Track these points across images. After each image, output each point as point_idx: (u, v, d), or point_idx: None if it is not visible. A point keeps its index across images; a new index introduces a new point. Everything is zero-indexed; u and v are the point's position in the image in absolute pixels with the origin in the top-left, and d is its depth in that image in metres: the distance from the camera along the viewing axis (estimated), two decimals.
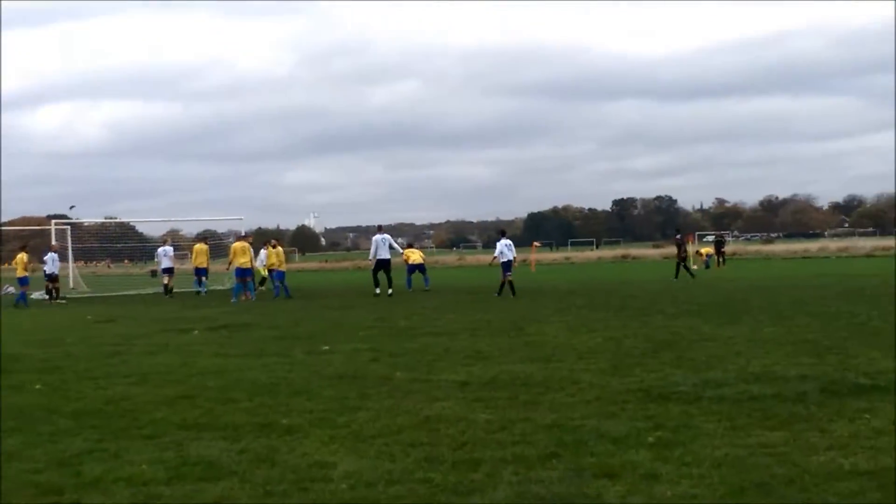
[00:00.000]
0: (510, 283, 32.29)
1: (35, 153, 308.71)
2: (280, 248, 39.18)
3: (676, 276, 41.89)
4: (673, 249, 48.40)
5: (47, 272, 40.03)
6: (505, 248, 32.94)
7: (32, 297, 40.03)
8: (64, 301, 39.35)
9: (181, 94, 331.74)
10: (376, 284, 35.46)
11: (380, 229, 37.08)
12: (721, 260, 57.31)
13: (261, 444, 8.92)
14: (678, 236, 45.25)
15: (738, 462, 7.70)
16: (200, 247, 43.29)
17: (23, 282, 37.66)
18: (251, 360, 15.82)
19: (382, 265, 35.62)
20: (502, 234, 34.52)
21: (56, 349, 18.79)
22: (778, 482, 7.11)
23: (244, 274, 35.89)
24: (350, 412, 10.43)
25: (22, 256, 37.94)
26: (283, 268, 38.40)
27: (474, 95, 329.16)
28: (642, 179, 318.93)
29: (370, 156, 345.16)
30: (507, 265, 32.78)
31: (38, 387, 13.25)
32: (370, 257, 36.22)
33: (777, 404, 10.06)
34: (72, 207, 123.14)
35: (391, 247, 36.30)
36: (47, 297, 40.40)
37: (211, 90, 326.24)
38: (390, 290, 34.84)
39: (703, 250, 59.50)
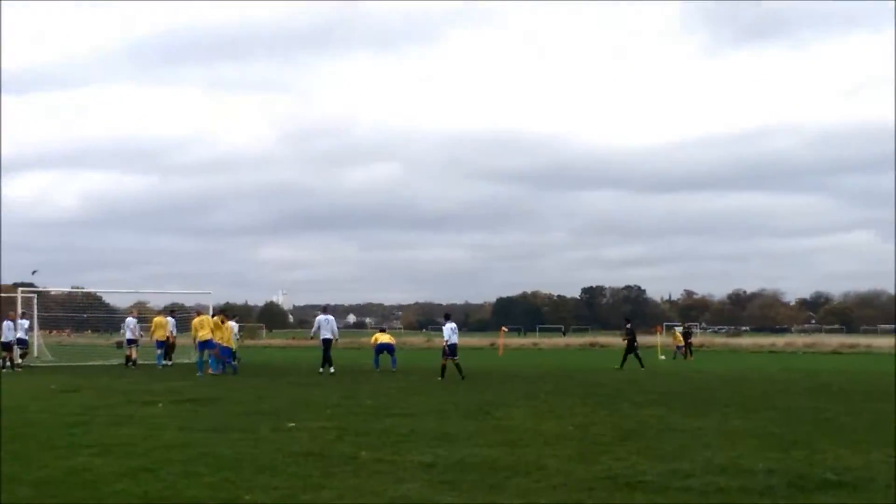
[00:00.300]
0: (457, 365, 32.61)
1: (9, 221, 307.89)
2: (228, 324, 38.61)
3: (622, 366, 41.53)
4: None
5: (3, 340, 39.67)
6: (450, 332, 33.35)
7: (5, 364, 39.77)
8: (19, 370, 38.88)
9: (159, 167, 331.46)
10: (323, 364, 35.92)
11: (324, 310, 38.31)
12: (689, 351, 57.34)
13: None
14: (628, 325, 45.33)
15: None
16: (160, 320, 43.50)
17: None
18: (216, 434, 15.68)
19: (325, 345, 36.25)
20: (447, 318, 34.81)
21: (17, 417, 18.58)
22: None
23: (205, 347, 35.77)
24: (314, 490, 10.35)
25: None
26: (231, 344, 37.84)
27: (453, 180, 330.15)
28: (613, 268, 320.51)
29: (345, 235, 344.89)
30: (452, 348, 33.11)
31: None
32: (311, 335, 37.26)
33: (744, 497, 10.05)
34: (34, 272, 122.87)
35: (333, 329, 36.93)
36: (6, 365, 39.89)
37: (190, 164, 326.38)
38: (332, 369, 35.29)
39: (677, 337, 59.40)
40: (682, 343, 58.01)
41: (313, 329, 37.23)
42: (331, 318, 37.28)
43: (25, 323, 42.60)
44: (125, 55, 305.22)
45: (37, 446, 14.16)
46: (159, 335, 42.57)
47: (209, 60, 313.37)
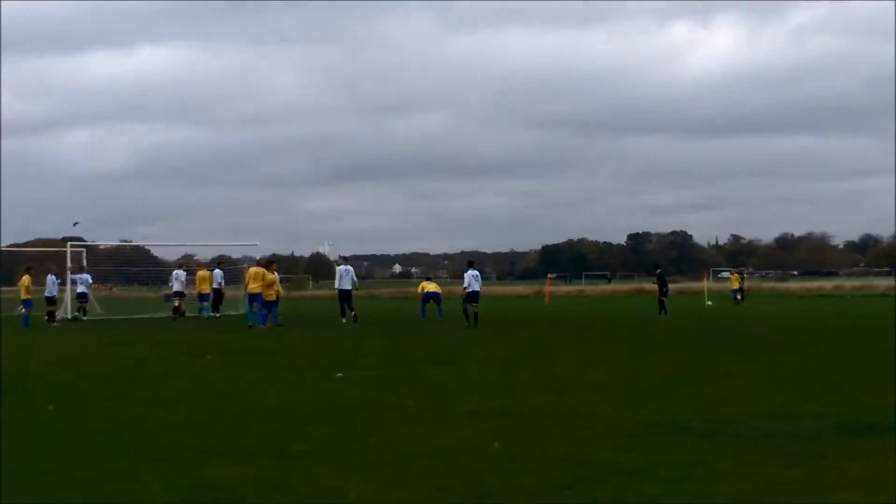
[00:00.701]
0: (475, 314, 32.77)
1: (60, 176, 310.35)
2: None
3: (661, 312, 41.39)
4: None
5: (47, 294, 40.29)
6: (471, 279, 33.58)
7: (58, 317, 40.53)
8: (57, 324, 39.42)
9: (209, 119, 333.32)
10: (342, 314, 36.41)
11: (345, 260, 39.65)
12: (741, 296, 56.73)
13: (273, 468, 8.92)
14: (658, 271, 45.08)
15: (753, 499, 7.66)
16: (203, 273, 43.93)
17: (26, 304, 37.83)
18: (265, 385, 15.83)
19: (344, 296, 36.71)
20: (469, 265, 35.06)
21: (71, 370, 18.83)
22: None
23: (255, 299, 35.83)
24: (362, 439, 10.42)
25: (25, 279, 38.15)
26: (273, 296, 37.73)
27: (501, 127, 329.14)
28: (660, 214, 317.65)
29: (393, 185, 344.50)
30: (473, 295, 33.32)
31: (50, 407, 13.27)
32: (335, 286, 37.41)
33: (792, 442, 10.00)
34: (75, 224, 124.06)
35: (353, 279, 37.31)
36: (47, 318, 40.55)
37: (238, 116, 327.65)
38: (354, 314, 35.75)
39: (736, 279, 58.54)
40: (739, 286, 57.37)
41: (336, 280, 37.71)
42: (350, 268, 37.80)
43: (87, 277, 43.42)
44: (174, 10, 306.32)
45: (90, 398, 14.36)
46: (203, 288, 43.06)
47: (257, 13, 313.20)
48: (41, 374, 17.95)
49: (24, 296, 37.80)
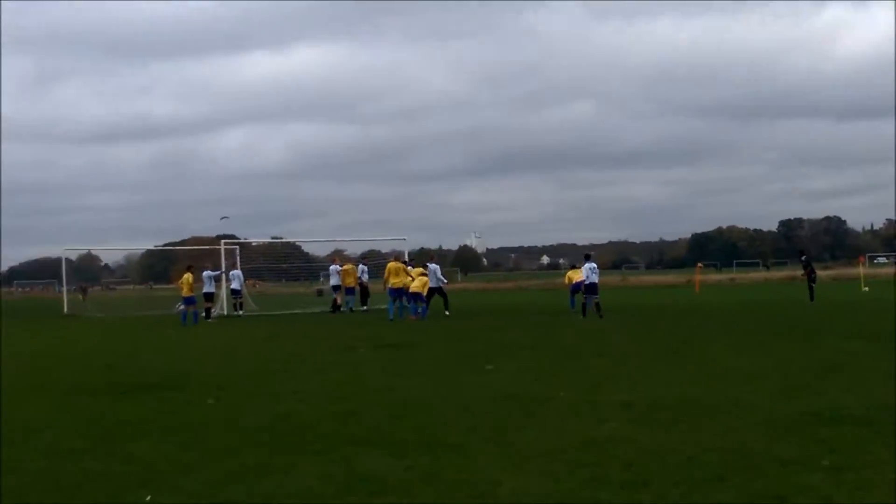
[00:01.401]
0: (596, 304, 33.27)
1: (216, 175, 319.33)
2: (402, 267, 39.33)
3: (812, 299, 40.59)
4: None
5: (204, 291, 41.28)
6: (588, 272, 33.87)
7: (214, 314, 41.58)
8: (213, 320, 40.32)
9: (360, 116, 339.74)
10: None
11: (431, 259, 40.36)
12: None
13: (427, 461, 8.99)
14: (803, 258, 44.10)
15: None
16: (349, 267, 44.43)
17: (188, 301, 38.68)
18: (416, 378, 15.96)
19: (433, 292, 37.32)
20: (587, 258, 35.39)
21: (227, 366, 19.26)
22: None
23: (397, 294, 36.41)
24: (514, 431, 10.44)
25: (187, 276, 39.04)
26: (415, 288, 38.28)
27: (651, 116, 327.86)
28: (813, 200, 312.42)
29: (541, 176, 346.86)
30: (592, 287, 33.64)
31: (210, 402, 13.60)
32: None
33: None
34: (223, 219, 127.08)
35: (437, 276, 37.83)
36: (204, 315, 41.67)
37: (388, 112, 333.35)
38: (425, 307, 36.35)
39: None
40: None
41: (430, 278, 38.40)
42: (436, 266, 38.42)
43: (239, 273, 44.62)
44: (326, 12, 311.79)
45: (245, 393, 14.66)
46: (348, 282, 43.63)
47: (407, 11, 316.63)
48: (201, 370, 18.38)
49: (185, 293, 38.68)
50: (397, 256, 42.29)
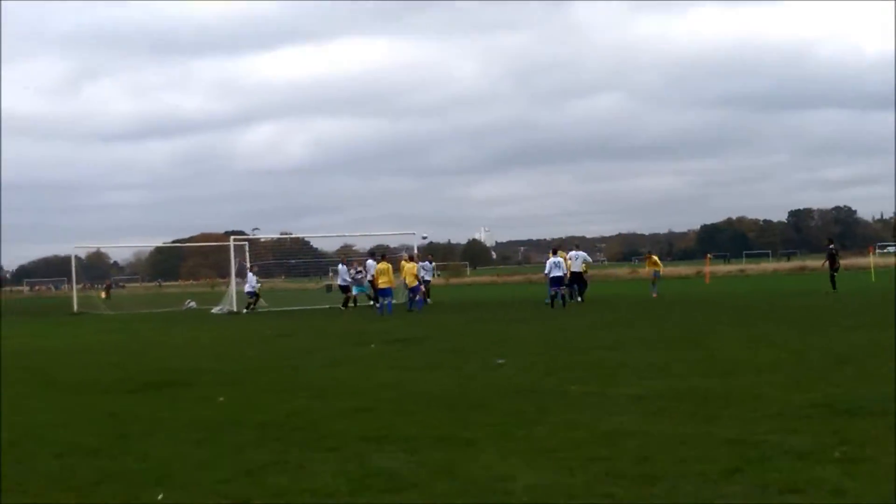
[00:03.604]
0: (562, 296, 35.98)
1: (235, 171, 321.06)
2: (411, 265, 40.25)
3: (834, 288, 40.56)
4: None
5: (248, 290, 43.75)
6: (552, 266, 35.99)
7: (223, 310, 42.86)
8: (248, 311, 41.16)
9: (389, 110, 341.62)
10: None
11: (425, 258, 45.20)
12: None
13: (440, 456, 8.98)
14: (831, 246, 44.02)
15: None
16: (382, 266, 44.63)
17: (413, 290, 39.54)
18: (427, 373, 15.96)
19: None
20: (554, 252, 37.46)
21: (238, 363, 19.27)
22: None
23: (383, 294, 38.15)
24: (527, 426, 10.42)
25: (412, 266, 39.71)
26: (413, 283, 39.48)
27: (674, 107, 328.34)
28: (829, 189, 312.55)
29: (562, 168, 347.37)
30: (557, 280, 36.02)
31: (221, 399, 13.60)
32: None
33: None
34: (254, 230, 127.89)
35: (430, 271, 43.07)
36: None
37: (417, 106, 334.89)
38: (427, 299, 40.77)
39: None
40: None
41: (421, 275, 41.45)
42: (426, 263, 43.76)
43: (254, 279, 45.36)
44: (354, 8, 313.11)
45: (256, 390, 14.67)
46: (410, 281, 43.91)
47: (442, 5, 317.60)
48: (212, 367, 18.39)
49: (411, 283, 39.30)
50: (411, 256, 43.11)
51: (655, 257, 44.67)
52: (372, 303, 42.52)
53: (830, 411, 10.52)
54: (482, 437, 9.81)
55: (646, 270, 45.00)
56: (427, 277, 42.93)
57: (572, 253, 40.01)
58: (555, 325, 26.22)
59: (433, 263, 47.98)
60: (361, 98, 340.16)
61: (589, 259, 41.87)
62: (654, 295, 40.99)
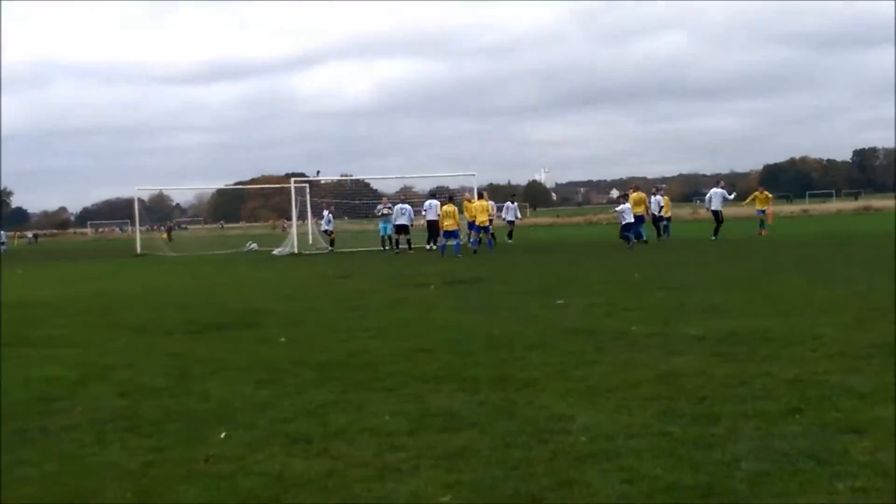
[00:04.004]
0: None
1: (298, 112, 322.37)
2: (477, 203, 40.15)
3: None
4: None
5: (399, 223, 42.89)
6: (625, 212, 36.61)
7: (284, 252, 43.20)
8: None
9: (451, 52, 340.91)
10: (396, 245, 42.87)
11: (403, 201, 44.47)
12: None
13: (499, 396, 9.01)
14: None
15: None
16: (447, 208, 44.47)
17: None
18: (486, 314, 15.97)
19: (398, 229, 42.40)
20: (625, 197, 38.27)
21: (299, 304, 19.39)
22: None
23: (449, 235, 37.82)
24: (586, 366, 10.42)
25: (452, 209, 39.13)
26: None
27: (738, 46, 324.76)
28: (891, 128, 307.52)
29: (623, 110, 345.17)
30: (626, 226, 36.36)
31: (282, 340, 13.72)
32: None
33: None
34: (318, 173, 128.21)
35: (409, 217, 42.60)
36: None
37: (478, 48, 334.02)
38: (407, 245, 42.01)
39: None
40: None
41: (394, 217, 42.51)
42: (407, 206, 42.70)
43: (329, 215, 47.28)
44: None
45: (317, 330, 14.77)
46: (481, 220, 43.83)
47: None
48: (273, 309, 18.52)
49: (482, 222, 39.50)
50: (481, 194, 43.32)
51: (767, 193, 44.04)
52: (430, 245, 42.48)
53: (892, 351, 10.41)
54: (541, 378, 9.82)
55: (752, 207, 44.24)
56: (510, 218, 43.13)
57: (714, 190, 40.10)
58: (615, 267, 26.13)
59: (516, 204, 47.17)
60: (419, 41, 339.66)
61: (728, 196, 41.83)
62: (763, 232, 40.74)
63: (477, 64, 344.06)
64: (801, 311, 14.27)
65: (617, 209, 37.19)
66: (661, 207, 41.36)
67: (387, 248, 43.82)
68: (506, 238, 44.07)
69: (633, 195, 38.36)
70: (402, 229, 42.59)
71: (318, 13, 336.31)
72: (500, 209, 45.95)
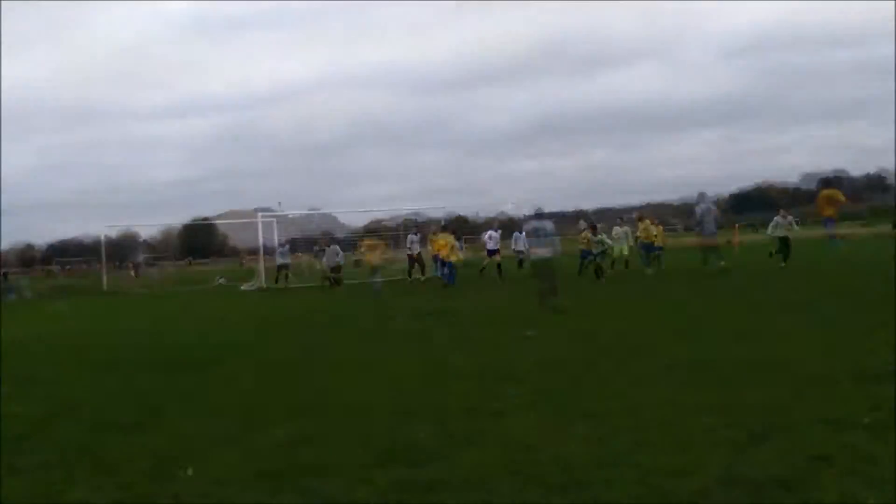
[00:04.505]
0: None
1: (265, 148, 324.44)
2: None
3: None
4: None
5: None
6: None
7: (242, 288, 43.19)
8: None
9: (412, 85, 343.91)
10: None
11: (334, 241, 46.85)
12: None
13: (468, 427, 9.00)
14: None
15: None
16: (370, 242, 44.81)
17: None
18: (456, 345, 15.94)
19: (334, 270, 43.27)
20: (593, 229, 38.70)
21: (267, 339, 19.36)
22: None
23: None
24: (556, 396, 10.41)
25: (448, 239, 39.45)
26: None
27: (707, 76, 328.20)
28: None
29: (594, 139, 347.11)
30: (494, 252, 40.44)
31: (250, 376, 13.65)
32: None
33: None
34: (280, 204, 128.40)
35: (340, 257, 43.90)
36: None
37: (446, 80, 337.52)
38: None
39: None
40: None
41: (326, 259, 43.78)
42: (336, 247, 44.55)
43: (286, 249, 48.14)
44: None
45: (285, 366, 14.80)
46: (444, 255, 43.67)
47: None
48: (243, 344, 18.49)
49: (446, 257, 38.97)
50: (445, 227, 43.70)
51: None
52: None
53: (860, 377, 10.44)
54: (510, 408, 9.82)
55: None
56: (492, 247, 43.44)
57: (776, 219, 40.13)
58: (586, 295, 26.13)
59: (499, 232, 46.44)
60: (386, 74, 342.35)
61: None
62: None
63: (439, 97, 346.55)
64: (769, 339, 14.28)
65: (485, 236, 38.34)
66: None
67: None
68: (496, 273, 43.27)
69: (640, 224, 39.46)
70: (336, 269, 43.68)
71: (291, 50, 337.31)
72: (489, 238, 45.43)
